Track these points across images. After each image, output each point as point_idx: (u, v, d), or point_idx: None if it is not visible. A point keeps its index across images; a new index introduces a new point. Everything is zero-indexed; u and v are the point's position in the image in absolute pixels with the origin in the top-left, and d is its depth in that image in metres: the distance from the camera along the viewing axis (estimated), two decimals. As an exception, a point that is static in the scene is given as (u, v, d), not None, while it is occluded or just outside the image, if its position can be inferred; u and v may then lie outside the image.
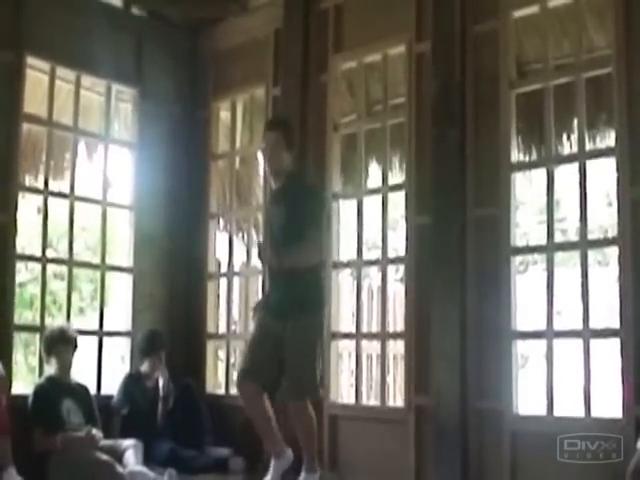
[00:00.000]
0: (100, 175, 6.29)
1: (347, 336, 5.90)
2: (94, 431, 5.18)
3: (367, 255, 6.00)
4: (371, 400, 6.67)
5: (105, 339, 6.15)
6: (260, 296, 5.65)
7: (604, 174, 4.96)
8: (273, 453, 4.59)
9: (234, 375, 7.42)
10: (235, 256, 6.34)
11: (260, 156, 4.46)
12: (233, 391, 6.43)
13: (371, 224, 6.13)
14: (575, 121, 4.84)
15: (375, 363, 7.11)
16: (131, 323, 6.21)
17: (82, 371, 5.83)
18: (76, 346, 5.46)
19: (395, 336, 5.93)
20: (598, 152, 4.82)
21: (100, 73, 6.16)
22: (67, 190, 6.02)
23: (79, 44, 5.92)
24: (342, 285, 6.18)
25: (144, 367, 5.82)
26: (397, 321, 6.73)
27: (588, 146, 4.79)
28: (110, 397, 5.73)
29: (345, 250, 5.90)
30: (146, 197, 6.38)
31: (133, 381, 5.79)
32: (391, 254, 5.66)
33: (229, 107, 6.64)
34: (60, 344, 5.38)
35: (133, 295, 6.26)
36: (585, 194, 4.69)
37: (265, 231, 4.73)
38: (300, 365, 4.43)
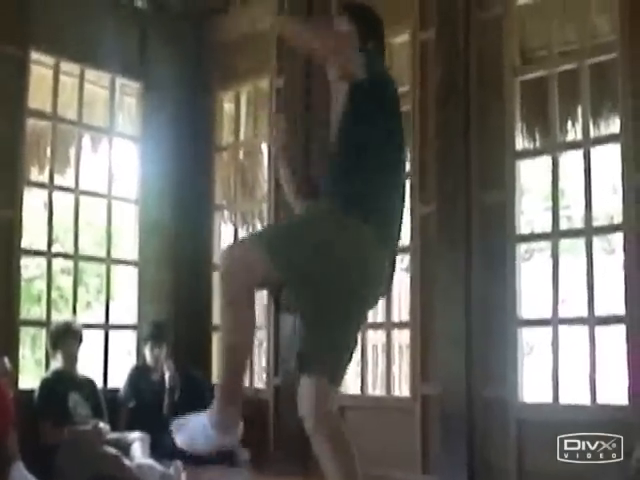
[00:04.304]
0: (105, 169, 6.29)
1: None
2: (101, 424, 5.19)
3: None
4: (377, 390, 6.66)
5: (111, 332, 6.15)
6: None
7: (609, 161, 4.94)
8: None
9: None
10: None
11: None
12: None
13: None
14: (580, 108, 4.83)
15: (380, 353, 7.09)
16: (137, 316, 6.22)
17: (89, 365, 5.84)
18: (81, 339, 5.46)
19: (400, 326, 5.92)
20: (603, 139, 4.80)
21: (104, 67, 6.15)
22: (72, 184, 6.02)
23: (83, 38, 5.90)
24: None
25: (147, 358, 5.83)
26: (402, 310, 6.71)
27: (593, 133, 4.77)
28: (117, 390, 5.73)
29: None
30: (151, 190, 6.38)
31: (139, 374, 5.79)
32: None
33: (233, 98, 6.62)
34: (65, 338, 5.39)
35: (139, 288, 6.27)
36: (590, 181, 4.67)
37: None
38: None
